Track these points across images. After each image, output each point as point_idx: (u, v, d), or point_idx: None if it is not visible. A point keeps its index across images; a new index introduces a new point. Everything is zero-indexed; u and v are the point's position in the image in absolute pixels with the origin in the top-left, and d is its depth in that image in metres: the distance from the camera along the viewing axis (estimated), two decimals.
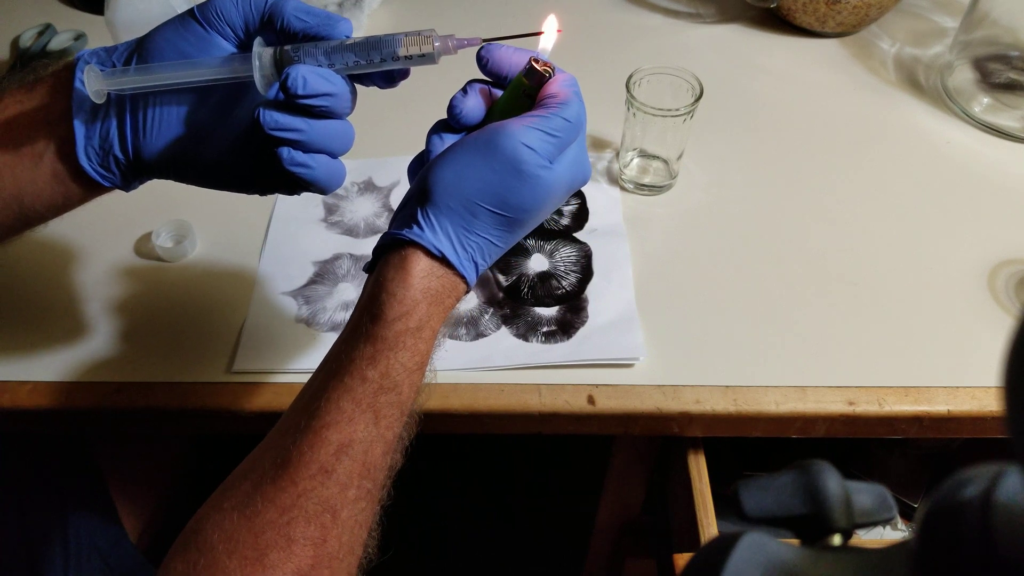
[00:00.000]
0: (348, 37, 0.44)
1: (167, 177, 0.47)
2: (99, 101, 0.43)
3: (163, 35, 0.44)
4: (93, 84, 0.43)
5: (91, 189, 0.47)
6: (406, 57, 0.44)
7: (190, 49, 0.44)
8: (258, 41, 0.43)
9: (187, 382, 0.57)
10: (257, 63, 0.42)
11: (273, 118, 0.42)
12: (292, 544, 0.38)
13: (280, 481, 0.39)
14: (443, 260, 0.42)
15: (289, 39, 0.44)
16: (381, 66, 0.43)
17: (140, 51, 0.44)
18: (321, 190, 0.45)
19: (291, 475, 0.39)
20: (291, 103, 0.42)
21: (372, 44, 0.43)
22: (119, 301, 0.62)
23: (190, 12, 0.44)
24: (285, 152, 0.42)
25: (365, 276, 0.47)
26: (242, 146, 0.46)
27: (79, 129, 0.45)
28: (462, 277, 0.43)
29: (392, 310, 0.42)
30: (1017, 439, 0.20)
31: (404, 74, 0.46)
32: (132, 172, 0.47)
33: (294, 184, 0.45)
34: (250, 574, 0.36)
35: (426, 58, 0.44)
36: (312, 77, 0.41)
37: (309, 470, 0.39)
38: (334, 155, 0.45)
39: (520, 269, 0.64)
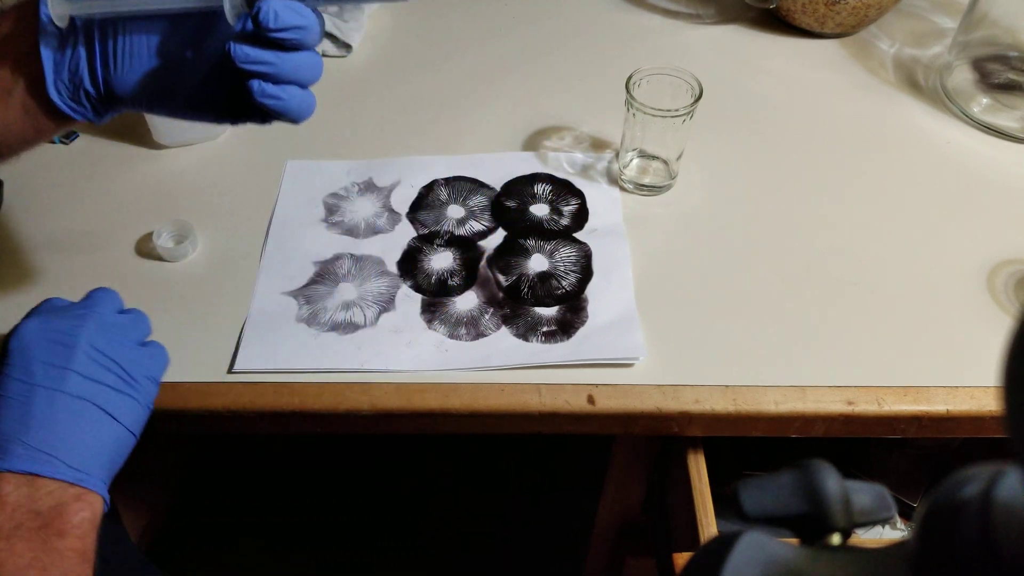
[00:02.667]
0: None
1: (139, 109, 0.48)
2: (62, 25, 0.43)
3: None
4: (56, 7, 0.42)
5: (63, 122, 0.48)
6: None
7: None
8: None
9: (187, 382, 0.57)
10: None
11: (244, 52, 0.42)
12: None
13: None
14: None
15: None
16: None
17: None
18: (292, 120, 0.45)
19: None
20: (262, 36, 0.42)
21: None
22: None
23: None
24: (256, 84, 0.43)
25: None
26: (215, 77, 0.46)
27: (47, 63, 0.45)
28: None
29: None
30: (1016, 438, 0.20)
31: None
32: (103, 104, 0.47)
33: (265, 115, 0.46)
34: None
35: None
36: (283, 10, 0.42)
37: None
38: (304, 85, 0.45)
39: (520, 269, 0.64)
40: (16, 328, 0.47)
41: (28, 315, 0.48)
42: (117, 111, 0.48)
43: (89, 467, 0.45)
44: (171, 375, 0.58)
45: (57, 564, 0.43)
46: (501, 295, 0.62)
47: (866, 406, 0.57)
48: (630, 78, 0.67)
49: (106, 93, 0.46)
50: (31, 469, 0.43)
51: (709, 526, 0.59)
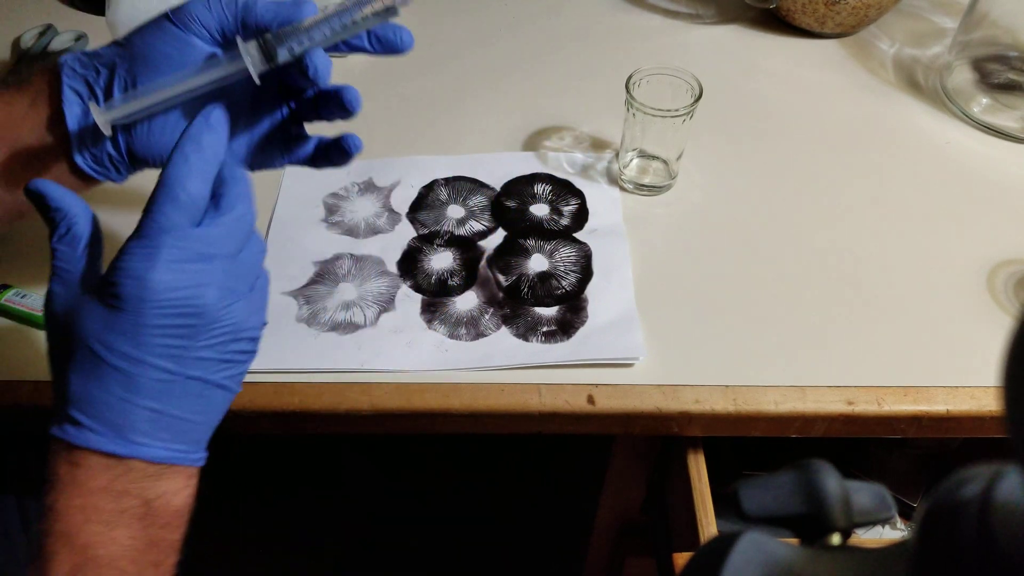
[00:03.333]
0: (315, 14, 0.46)
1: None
2: (108, 134, 0.45)
3: (142, 38, 0.46)
4: (99, 117, 0.44)
5: (85, 183, 0.49)
6: (373, 14, 0.46)
7: (170, 50, 0.45)
8: (239, 37, 0.45)
9: None
10: (248, 58, 0.45)
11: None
12: None
13: None
14: None
15: (261, 31, 0.46)
16: (355, 29, 0.46)
17: (123, 56, 0.46)
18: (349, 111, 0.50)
19: None
20: (306, 86, 0.47)
21: (339, 12, 0.46)
22: None
23: (165, 16, 0.46)
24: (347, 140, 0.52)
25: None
26: (240, 132, 0.49)
27: (73, 132, 0.46)
28: None
29: None
30: (1016, 438, 0.20)
31: (385, 44, 0.48)
32: (127, 167, 0.48)
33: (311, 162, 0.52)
34: None
35: (389, 11, 0.46)
36: (324, 64, 0.46)
37: None
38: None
39: (520, 269, 0.64)
40: (141, 275, 0.39)
41: (148, 242, 0.40)
42: (139, 170, 0.49)
43: (199, 443, 0.42)
44: None
45: (150, 555, 0.40)
46: (501, 295, 0.62)
47: (866, 406, 0.57)
48: (630, 78, 0.67)
49: (130, 159, 0.47)
50: (129, 452, 0.39)
51: (709, 526, 0.59)
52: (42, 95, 0.46)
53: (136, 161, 0.48)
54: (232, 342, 0.41)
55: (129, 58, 0.45)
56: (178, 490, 0.41)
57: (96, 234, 0.43)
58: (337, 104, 0.49)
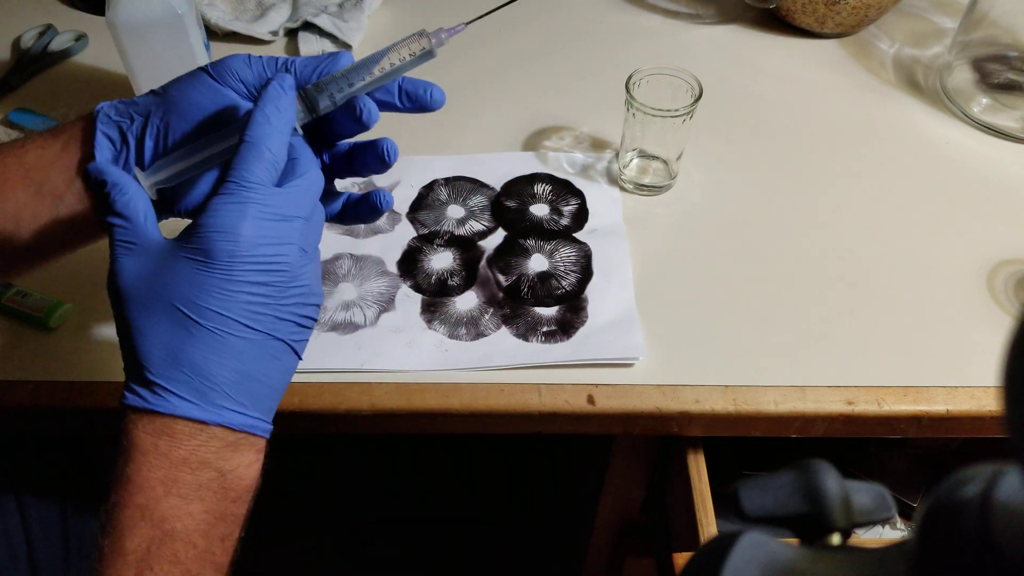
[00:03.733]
0: (352, 63, 0.47)
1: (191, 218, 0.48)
2: (154, 198, 0.44)
3: (179, 89, 0.46)
4: (145, 181, 0.44)
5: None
6: (411, 57, 0.47)
7: (205, 102, 0.46)
8: None
9: None
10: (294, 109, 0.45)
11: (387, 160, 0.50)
12: None
13: None
14: None
15: (301, 84, 0.46)
16: (394, 74, 0.47)
17: (158, 105, 0.46)
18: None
19: None
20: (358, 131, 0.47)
21: (376, 59, 0.46)
22: None
23: (204, 69, 0.46)
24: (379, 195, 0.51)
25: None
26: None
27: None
28: None
29: None
30: (1016, 438, 0.20)
31: (415, 101, 0.50)
32: (158, 217, 0.47)
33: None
34: None
35: (426, 54, 0.48)
36: (371, 102, 0.46)
37: None
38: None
39: (520, 269, 0.64)
40: (232, 229, 0.39)
41: (236, 198, 0.40)
42: (165, 219, 0.48)
43: (269, 412, 0.42)
44: None
45: (219, 529, 0.40)
46: (501, 295, 0.62)
47: (866, 406, 0.57)
48: (630, 78, 0.67)
49: (159, 208, 0.46)
50: (214, 419, 0.39)
51: (709, 526, 0.59)
52: (75, 139, 0.46)
53: (168, 212, 0.47)
54: (304, 305, 0.42)
55: (164, 107, 0.45)
56: (250, 463, 0.41)
57: (150, 207, 0.43)
58: (373, 155, 0.49)
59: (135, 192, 0.42)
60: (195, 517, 0.39)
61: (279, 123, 0.42)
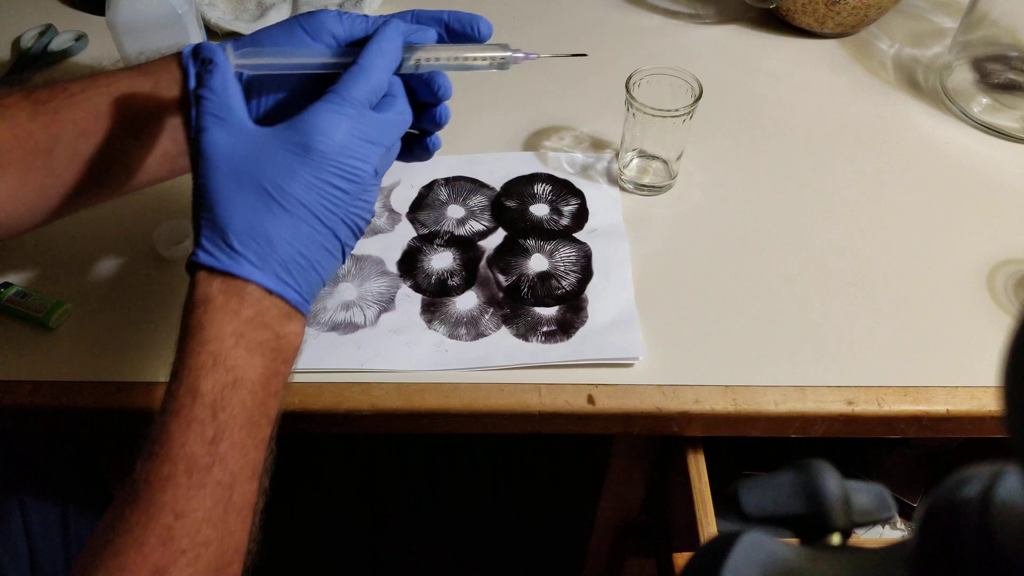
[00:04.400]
0: (438, 42, 0.51)
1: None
2: (234, 71, 0.47)
3: (269, 35, 0.49)
4: (231, 59, 0.47)
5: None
6: (487, 62, 0.51)
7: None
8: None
9: None
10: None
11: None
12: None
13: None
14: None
15: None
16: (467, 68, 0.51)
17: (247, 44, 0.49)
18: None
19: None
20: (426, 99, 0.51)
21: (462, 47, 0.50)
22: (120, 301, 0.62)
23: (296, 20, 0.49)
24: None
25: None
26: None
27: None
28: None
29: None
30: (1016, 439, 0.20)
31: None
32: None
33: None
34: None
35: (500, 64, 0.52)
36: (447, 79, 0.51)
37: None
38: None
39: (520, 269, 0.64)
40: (330, 133, 0.43)
41: (339, 108, 0.44)
42: None
43: (310, 298, 0.45)
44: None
45: (272, 385, 0.43)
46: (501, 295, 0.62)
47: (866, 406, 0.57)
48: (630, 78, 0.67)
49: None
50: (278, 289, 0.43)
51: (709, 526, 0.59)
52: (167, 73, 0.50)
53: None
54: (362, 218, 0.46)
55: (253, 46, 0.48)
56: (297, 333, 0.45)
57: (241, 90, 0.46)
58: (429, 118, 0.53)
59: (230, 73, 0.45)
60: (257, 370, 0.42)
61: (388, 58, 0.46)
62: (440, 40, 0.51)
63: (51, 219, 0.53)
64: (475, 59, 0.51)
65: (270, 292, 0.43)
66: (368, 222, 0.47)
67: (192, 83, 0.48)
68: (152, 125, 0.51)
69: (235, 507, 0.41)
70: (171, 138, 0.52)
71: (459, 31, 0.51)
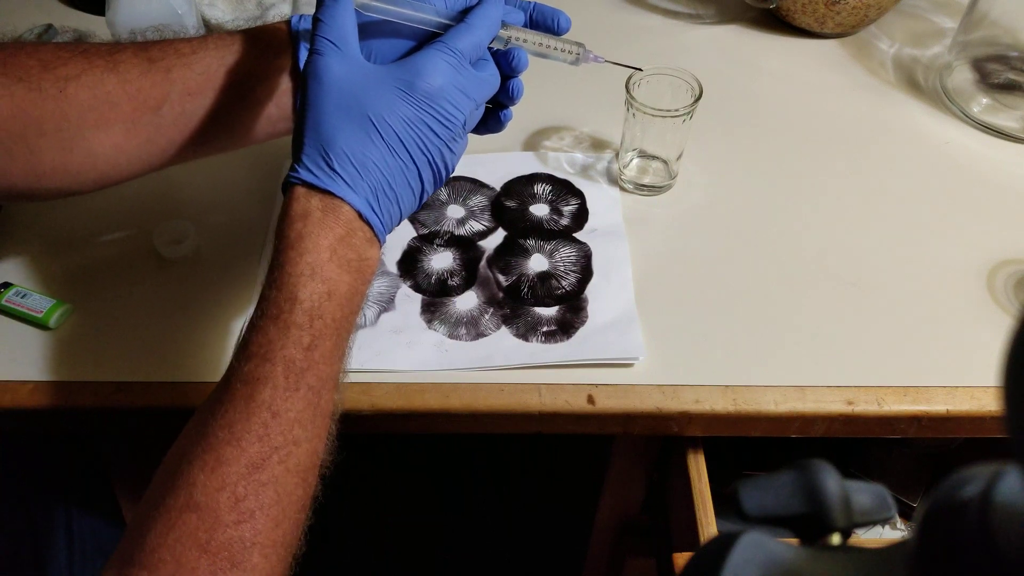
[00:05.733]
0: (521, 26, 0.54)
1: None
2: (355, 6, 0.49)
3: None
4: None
5: None
6: (561, 53, 0.55)
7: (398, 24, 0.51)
8: None
9: (187, 382, 0.57)
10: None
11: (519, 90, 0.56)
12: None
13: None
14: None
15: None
16: (543, 55, 0.54)
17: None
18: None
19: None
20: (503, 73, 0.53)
21: (545, 36, 0.54)
22: (119, 301, 0.62)
23: None
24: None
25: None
26: None
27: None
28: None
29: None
30: (1016, 438, 0.20)
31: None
32: None
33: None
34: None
35: (572, 60, 0.56)
36: (525, 56, 0.53)
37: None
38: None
39: (520, 269, 0.64)
40: (435, 77, 0.47)
41: (447, 58, 0.48)
42: None
43: (386, 231, 0.48)
44: (170, 375, 0.58)
45: (353, 304, 0.46)
46: (501, 295, 0.62)
47: (866, 406, 0.57)
48: (630, 78, 0.67)
49: None
50: (367, 214, 0.45)
51: (709, 526, 0.59)
52: (276, 39, 0.53)
53: None
54: (446, 166, 0.49)
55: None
56: (376, 258, 0.47)
57: (356, 27, 0.48)
58: (503, 91, 0.55)
59: (351, 6, 0.48)
60: (346, 284, 0.45)
61: (492, 23, 0.50)
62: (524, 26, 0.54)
63: (148, 172, 0.56)
64: (555, 49, 0.54)
65: (360, 215, 0.45)
66: (450, 173, 0.49)
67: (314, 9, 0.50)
68: (259, 89, 0.53)
69: (322, 412, 0.44)
70: (276, 103, 0.54)
71: (539, 21, 0.54)
